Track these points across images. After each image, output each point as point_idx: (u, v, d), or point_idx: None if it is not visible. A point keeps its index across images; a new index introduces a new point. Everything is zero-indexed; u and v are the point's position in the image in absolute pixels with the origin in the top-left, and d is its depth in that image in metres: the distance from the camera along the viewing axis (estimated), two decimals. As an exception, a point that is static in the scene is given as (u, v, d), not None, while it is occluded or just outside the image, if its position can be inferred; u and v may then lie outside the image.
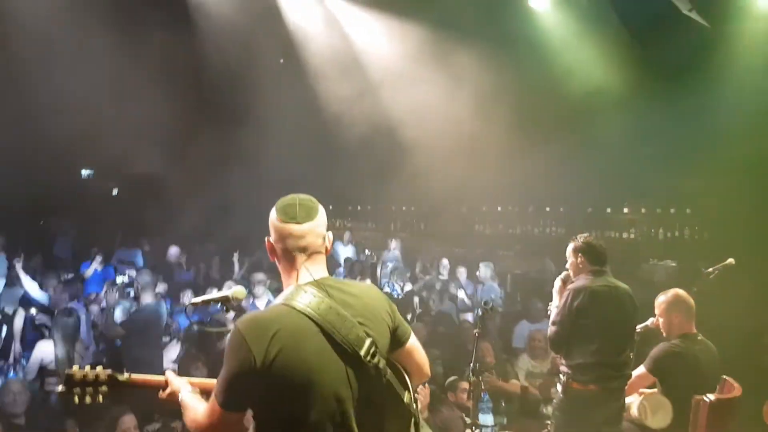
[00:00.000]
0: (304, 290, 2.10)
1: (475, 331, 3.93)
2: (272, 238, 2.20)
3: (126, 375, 2.45)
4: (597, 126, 9.21)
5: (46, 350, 5.49)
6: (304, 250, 2.16)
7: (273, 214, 2.19)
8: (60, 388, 2.36)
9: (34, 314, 6.58)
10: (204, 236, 13.70)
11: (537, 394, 6.09)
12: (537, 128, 9.02)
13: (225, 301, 2.49)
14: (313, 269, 2.17)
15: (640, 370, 4.20)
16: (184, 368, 5.36)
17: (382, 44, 9.12)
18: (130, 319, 6.03)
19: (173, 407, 2.36)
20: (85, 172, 15.48)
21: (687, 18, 4.48)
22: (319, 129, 11.15)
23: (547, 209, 11.63)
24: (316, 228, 2.19)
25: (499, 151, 9.61)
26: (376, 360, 2.10)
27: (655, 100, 8.31)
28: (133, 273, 8.36)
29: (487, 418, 4.31)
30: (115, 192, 15.32)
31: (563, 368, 4.24)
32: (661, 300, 4.38)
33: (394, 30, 8.92)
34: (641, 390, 4.25)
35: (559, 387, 4.26)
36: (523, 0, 8.21)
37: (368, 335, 2.11)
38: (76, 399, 2.35)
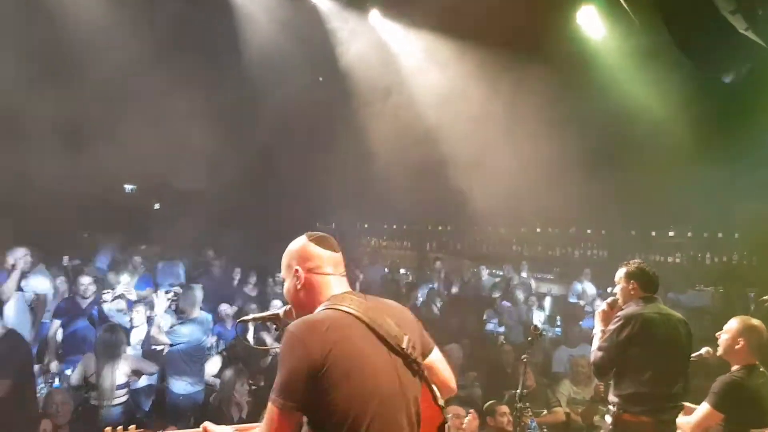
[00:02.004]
0: (342, 297, 2.29)
1: (523, 356, 3.83)
2: (307, 266, 2.38)
3: None
4: (642, 147, 9.04)
5: (89, 364, 5.53)
6: (337, 272, 2.40)
7: (309, 245, 2.41)
8: None
9: (78, 325, 6.66)
10: (243, 253, 13.84)
11: (579, 421, 5.96)
12: (581, 150, 8.87)
13: (275, 319, 2.50)
14: (345, 286, 2.39)
15: (704, 407, 3.95)
16: (229, 385, 5.37)
17: (424, 60, 9.12)
18: (174, 332, 6.06)
19: None
20: (128, 187, 15.79)
21: (746, 39, 4.36)
22: (355, 148, 11.19)
23: (589, 231, 11.44)
24: (341, 258, 2.45)
25: (540, 171, 9.50)
26: (416, 354, 2.26)
27: (705, 122, 8.12)
28: (177, 288, 8.45)
29: (534, 447, 4.18)
30: (156, 207, 15.59)
31: (613, 398, 4.10)
32: (733, 325, 4.13)
33: (435, 47, 8.92)
34: None
35: (608, 418, 4.13)
36: (577, 24, 8.13)
37: (405, 333, 2.26)
38: None
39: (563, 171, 9.75)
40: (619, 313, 4.13)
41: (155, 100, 10.17)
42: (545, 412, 5.59)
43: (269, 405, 2.13)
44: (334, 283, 2.36)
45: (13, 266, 6.44)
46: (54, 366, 6.64)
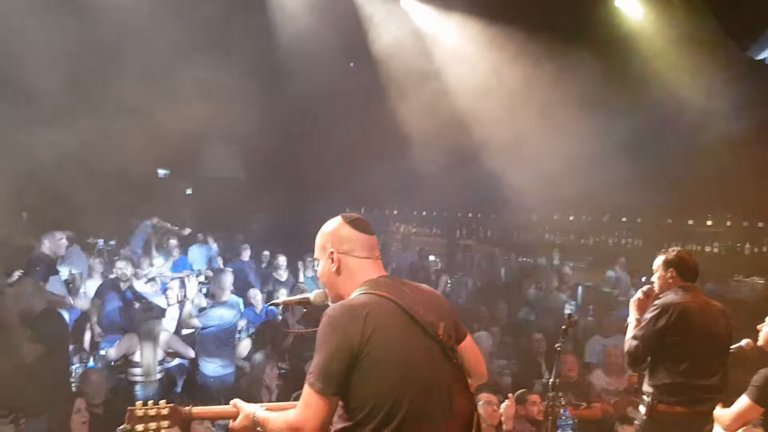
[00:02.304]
0: (380, 282, 2.28)
1: (557, 345, 3.76)
2: (342, 248, 2.35)
3: (188, 408, 2.44)
4: (681, 134, 8.81)
5: (130, 343, 5.62)
6: (373, 256, 2.37)
7: (344, 228, 2.38)
8: (122, 427, 2.36)
9: (115, 306, 6.76)
10: (273, 238, 13.93)
11: (611, 411, 5.86)
12: (617, 136, 8.66)
13: (306, 303, 2.49)
14: (381, 270, 2.38)
15: (744, 401, 3.78)
16: (259, 368, 5.40)
17: (455, 43, 8.98)
18: (204, 315, 6.12)
19: None
20: (161, 172, 15.97)
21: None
22: (386, 133, 11.12)
23: (624, 219, 11.20)
24: (377, 241, 2.43)
25: (575, 158, 9.31)
26: (452, 342, 2.25)
27: (745, 108, 7.86)
28: (208, 271, 8.55)
29: (567, 437, 4.11)
30: (188, 192, 15.74)
31: (648, 388, 4.01)
32: None
33: (469, 31, 8.78)
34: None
35: (642, 408, 4.03)
36: (617, 8, 7.94)
37: (441, 320, 2.25)
38: None
39: (598, 158, 9.54)
40: (656, 302, 4.03)
41: (189, 85, 10.22)
42: (584, 405, 5.50)
43: (306, 387, 2.12)
44: (370, 266, 2.33)
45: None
46: (90, 345, 6.79)
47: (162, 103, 10.62)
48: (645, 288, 4.25)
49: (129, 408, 2.37)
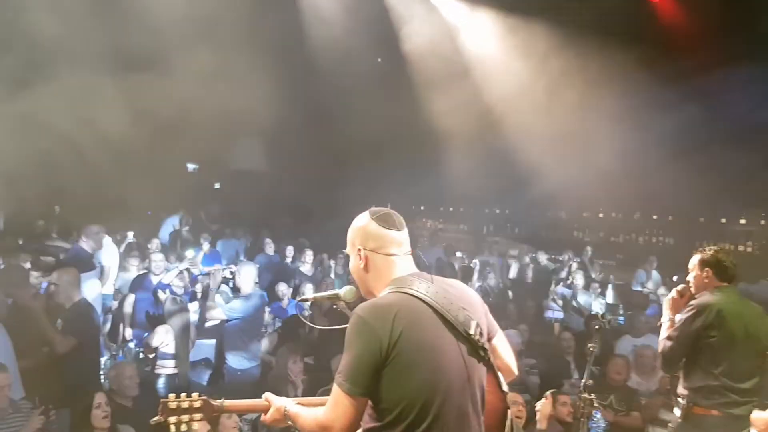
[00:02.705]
0: (409, 280, 2.22)
1: (589, 345, 3.68)
2: (369, 246, 2.30)
3: (219, 401, 2.45)
4: (713, 131, 8.63)
5: (164, 335, 5.68)
6: (401, 253, 2.30)
7: (370, 224, 2.31)
8: (155, 418, 2.37)
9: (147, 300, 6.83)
10: (297, 232, 13.99)
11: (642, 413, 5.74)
12: (648, 131, 8.51)
13: (336, 298, 2.48)
14: (411, 266, 2.31)
15: None
16: (284, 363, 5.41)
17: (487, 39, 8.88)
18: (229, 308, 6.15)
19: (279, 425, 2.34)
20: (190, 166, 16.12)
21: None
22: (414, 128, 11.07)
23: (654, 217, 11.02)
24: (407, 237, 2.35)
25: (605, 156, 9.18)
26: (483, 341, 2.20)
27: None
28: (233, 265, 8.58)
29: (598, 439, 4.02)
30: (217, 186, 15.88)
31: (683, 390, 3.92)
32: None
33: (502, 27, 8.67)
34: None
35: (677, 411, 3.94)
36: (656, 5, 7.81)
37: (472, 318, 2.19)
38: (173, 428, 2.37)
39: (629, 155, 9.41)
40: (691, 302, 3.93)
41: (217, 79, 10.28)
42: (623, 412, 5.39)
43: (335, 386, 2.11)
44: (399, 263, 2.28)
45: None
46: (121, 339, 6.87)
47: (193, 99, 10.73)
48: (680, 287, 4.14)
49: (162, 400, 2.39)
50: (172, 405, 2.36)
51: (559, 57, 8.26)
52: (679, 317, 3.96)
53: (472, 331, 2.16)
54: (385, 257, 2.28)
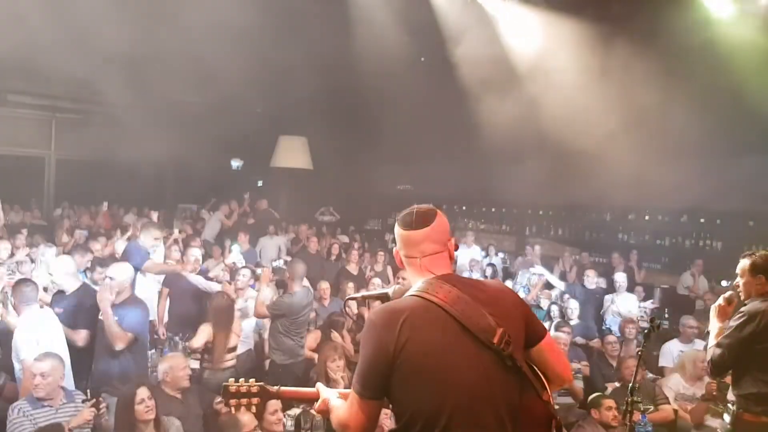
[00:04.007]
0: (430, 283, 2.15)
1: (638, 349, 3.63)
2: (398, 247, 2.31)
3: (276, 387, 2.53)
4: (762, 130, 8.39)
5: (207, 331, 5.80)
6: (423, 253, 2.22)
7: (396, 226, 2.31)
8: (218, 400, 2.47)
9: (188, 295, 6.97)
10: (339, 229, 14.09)
11: (688, 419, 5.64)
12: (696, 133, 8.30)
13: (385, 298, 2.47)
14: (437, 267, 2.22)
15: None
16: (322, 360, 5.46)
17: (534, 38, 8.78)
18: (274, 305, 6.23)
19: (325, 416, 2.41)
20: (235, 164, 16.40)
21: None
22: (457, 129, 11.04)
23: (702, 220, 10.73)
24: (432, 233, 2.24)
25: (651, 157, 9.02)
26: (510, 349, 2.07)
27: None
28: (280, 261, 8.70)
29: (645, 443, 3.97)
30: (260, 183, 16.10)
31: (732, 397, 3.84)
32: None
33: (552, 27, 8.57)
34: None
35: (727, 417, 3.87)
36: (702, 6, 7.66)
37: (499, 325, 2.08)
38: (233, 410, 2.54)
39: (676, 156, 9.22)
40: (742, 309, 3.84)
41: (262, 79, 10.43)
42: (652, 408, 5.31)
43: (351, 390, 2.14)
44: (420, 266, 2.22)
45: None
46: (163, 333, 7.02)
47: (235, 99, 10.92)
48: (727, 294, 4.04)
49: (224, 384, 2.50)
50: (233, 389, 2.47)
51: (605, 53, 8.12)
52: (729, 324, 3.87)
53: (495, 339, 2.05)
54: (408, 260, 2.27)
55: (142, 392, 4.36)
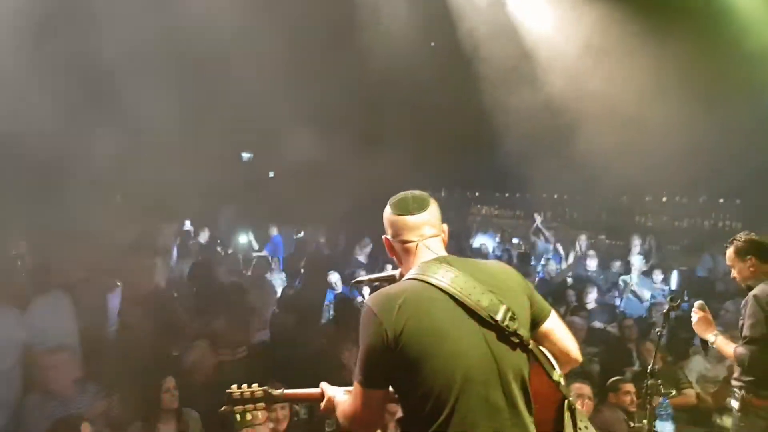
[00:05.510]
0: (428, 265, 2.12)
1: (657, 330, 3.53)
2: (388, 234, 2.26)
3: (280, 390, 2.48)
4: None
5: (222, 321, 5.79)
6: (422, 236, 2.20)
7: (387, 210, 2.26)
8: (223, 408, 2.42)
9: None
10: (350, 220, 14.02)
11: (709, 401, 5.53)
12: (714, 112, 8.13)
13: (392, 279, 2.41)
14: (434, 249, 2.20)
15: None
16: (333, 350, 5.42)
17: (549, 20, 8.63)
18: (293, 296, 6.20)
19: (332, 415, 2.34)
20: (245, 155, 16.37)
21: None
22: (468, 113, 10.90)
23: (721, 201, 10.55)
24: (430, 219, 2.23)
25: (668, 135, 8.83)
26: (515, 326, 2.03)
27: None
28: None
29: (665, 426, 3.86)
30: (271, 175, 16.06)
31: (736, 383, 3.74)
32: None
33: (564, 8, 8.41)
34: None
35: (735, 402, 3.79)
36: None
37: (502, 302, 2.04)
38: (238, 417, 2.44)
39: (692, 136, 9.02)
40: (750, 294, 3.70)
41: (269, 66, 10.36)
42: (674, 392, 5.20)
43: (354, 379, 2.09)
44: (419, 249, 2.19)
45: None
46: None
47: (247, 88, 10.87)
48: (697, 304, 3.95)
49: (227, 391, 2.45)
50: (236, 395, 2.43)
51: (619, 35, 7.96)
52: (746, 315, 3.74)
53: (499, 317, 2.01)
54: (403, 244, 2.22)
55: (170, 381, 4.34)
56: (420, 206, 2.23)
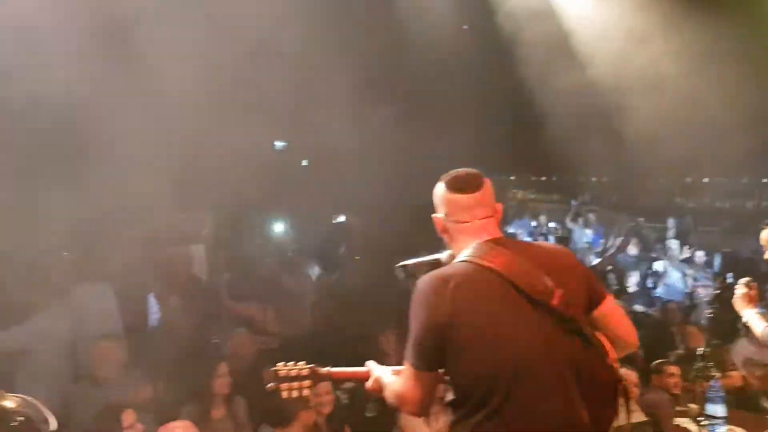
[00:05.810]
0: (480, 247, 2.05)
1: (708, 311, 3.45)
2: (441, 213, 2.19)
3: (326, 369, 2.47)
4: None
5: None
6: (475, 217, 2.13)
7: (440, 188, 2.19)
8: (269, 385, 2.42)
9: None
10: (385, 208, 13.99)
11: (756, 385, 5.40)
12: (758, 88, 7.87)
13: (437, 264, 2.35)
14: (489, 231, 2.13)
15: None
16: (374, 334, 5.44)
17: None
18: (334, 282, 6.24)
19: (379, 394, 2.33)
20: (278, 144, 16.39)
21: None
22: (505, 95, 10.76)
23: (765, 180, 10.26)
24: (483, 198, 2.16)
25: (709, 116, 8.59)
26: (570, 310, 1.98)
27: None
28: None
29: (717, 409, 3.77)
30: (304, 163, 16.08)
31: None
32: None
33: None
34: None
35: None
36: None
37: (558, 287, 1.98)
38: (285, 394, 2.43)
39: (735, 114, 8.76)
40: None
41: (301, 53, 10.33)
42: (719, 375, 5.10)
43: (404, 363, 2.07)
44: (470, 229, 2.12)
45: None
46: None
47: (277, 74, 10.86)
48: (744, 281, 3.71)
49: (272, 369, 2.45)
50: (282, 372, 2.43)
51: (665, 12, 7.75)
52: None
53: (554, 301, 1.96)
54: (456, 225, 2.15)
55: (223, 367, 4.39)
56: (475, 185, 2.16)
